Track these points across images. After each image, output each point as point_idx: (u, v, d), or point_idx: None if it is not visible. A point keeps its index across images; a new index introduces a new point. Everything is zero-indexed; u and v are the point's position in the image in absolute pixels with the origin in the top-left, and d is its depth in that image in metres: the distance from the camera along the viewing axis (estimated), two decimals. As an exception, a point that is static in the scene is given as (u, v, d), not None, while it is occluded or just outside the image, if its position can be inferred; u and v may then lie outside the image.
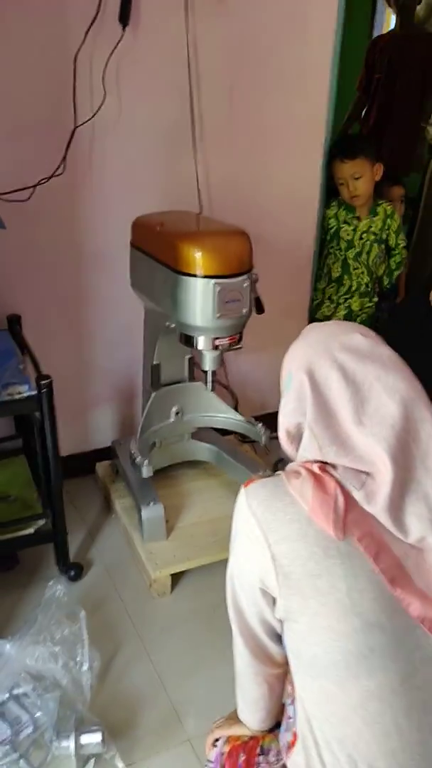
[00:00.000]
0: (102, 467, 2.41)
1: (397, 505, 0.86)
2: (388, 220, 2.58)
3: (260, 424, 2.20)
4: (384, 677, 0.86)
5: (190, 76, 2.06)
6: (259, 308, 1.94)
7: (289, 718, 1.05)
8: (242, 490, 0.95)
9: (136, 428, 2.15)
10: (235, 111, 2.21)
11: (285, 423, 0.97)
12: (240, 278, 1.75)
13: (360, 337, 0.94)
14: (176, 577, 1.98)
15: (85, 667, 1.52)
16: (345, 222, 2.55)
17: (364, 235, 2.56)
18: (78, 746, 1.39)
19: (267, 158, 2.33)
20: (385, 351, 0.94)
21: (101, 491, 2.38)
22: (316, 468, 0.90)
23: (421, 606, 0.85)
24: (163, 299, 1.86)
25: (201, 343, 1.84)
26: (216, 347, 1.85)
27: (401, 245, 2.64)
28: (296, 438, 0.96)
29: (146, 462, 1.99)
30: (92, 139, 2.03)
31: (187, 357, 2.18)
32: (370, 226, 2.56)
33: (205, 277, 1.72)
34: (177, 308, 1.78)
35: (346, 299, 2.64)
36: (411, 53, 3.41)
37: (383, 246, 2.62)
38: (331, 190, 2.55)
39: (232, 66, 2.14)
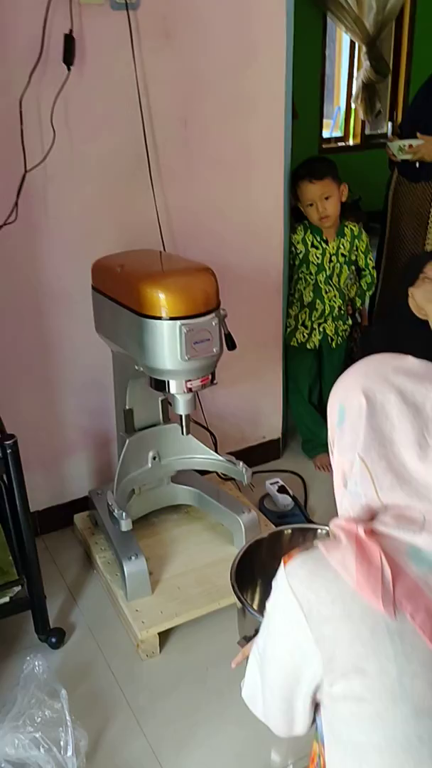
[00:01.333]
0: (80, 519, 2.30)
1: None
2: (356, 241, 2.53)
3: (241, 463, 2.11)
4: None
5: (141, 111, 2.00)
6: (231, 344, 1.86)
7: None
8: (282, 570, 0.86)
9: (113, 475, 2.06)
10: (191, 144, 2.15)
11: (341, 462, 0.89)
12: (207, 317, 1.68)
13: (413, 359, 0.90)
14: (165, 635, 1.87)
15: (70, 751, 1.40)
16: (313, 246, 2.50)
17: (333, 257, 2.51)
18: None
19: (228, 188, 2.27)
20: None
21: (81, 544, 2.27)
22: (361, 531, 0.82)
23: None
24: (130, 343, 1.78)
25: (172, 386, 1.76)
26: (189, 390, 1.77)
27: (371, 265, 2.59)
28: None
29: (124, 515, 1.89)
30: (45, 183, 1.95)
31: (161, 399, 2.10)
32: (339, 248, 2.51)
33: (171, 319, 1.64)
34: (144, 352, 1.70)
35: (320, 324, 2.58)
36: None
37: (353, 267, 2.57)
38: (294, 215, 2.50)
39: (184, 99, 2.09)
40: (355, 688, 0.78)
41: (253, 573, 1.76)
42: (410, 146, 2.67)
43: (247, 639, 1.54)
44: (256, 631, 1.43)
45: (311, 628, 0.80)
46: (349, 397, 0.88)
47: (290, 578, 0.84)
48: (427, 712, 0.76)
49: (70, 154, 1.96)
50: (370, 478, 0.83)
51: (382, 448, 0.83)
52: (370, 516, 0.86)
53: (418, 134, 2.66)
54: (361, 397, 0.86)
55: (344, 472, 0.88)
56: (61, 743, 1.41)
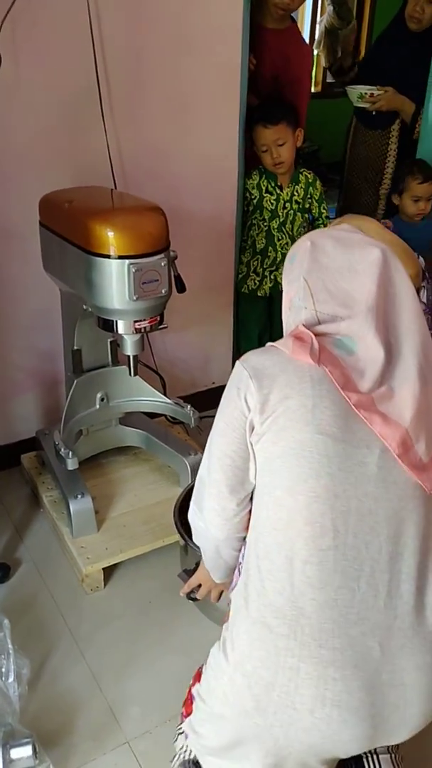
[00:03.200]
0: (27, 459, 2.30)
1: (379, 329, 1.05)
2: (311, 189, 2.53)
3: (189, 406, 2.14)
4: (329, 481, 1.00)
5: (93, 40, 1.93)
6: (180, 287, 1.86)
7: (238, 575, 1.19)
8: (237, 362, 1.09)
9: (61, 416, 2.06)
10: (145, 76, 2.09)
11: (289, 291, 1.14)
12: (156, 257, 1.67)
13: (345, 225, 1.19)
14: (109, 571, 1.91)
15: (11, 677, 1.44)
16: (267, 191, 2.48)
17: (287, 204, 2.50)
18: (7, 762, 1.32)
19: (182, 127, 2.23)
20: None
21: (28, 484, 2.28)
22: (300, 327, 1.05)
23: (383, 423, 1.01)
24: (77, 282, 1.75)
25: (120, 327, 1.75)
26: (137, 330, 1.76)
27: (324, 214, 2.59)
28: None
29: (71, 454, 1.90)
30: (-10, 111, 1.88)
31: (110, 340, 2.09)
32: (293, 195, 2.50)
33: (119, 257, 1.63)
34: (92, 291, 1.69)
35: (271, 271, 2.59)
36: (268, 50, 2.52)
37: (307, 215, 2.57)
38: (249, 160, 2.47)
39: (138, 28, 2.02)
40: (279, 420, 1.02)
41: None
42: (371, 95, 2.65)
43: (188, 572, 1.60)
44: (197, 565, 1.47)
45: (254, 382, 1.05)
46: (299, 246, 1.14)
47: (242, 361, 1.09)
48: (329, 435, 1.00)
49: (16, 80, 1.89)
50: (310, 293, 1.08)
51: (320, 273, 1.09)
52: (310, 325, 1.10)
53: (378, 87, 2.64)
54: (308, 242, 1.13)
55: (291, 298, 1.12)
56: (3, 670, 1.44)
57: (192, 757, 1.28)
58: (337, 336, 1.05)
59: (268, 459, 1.05)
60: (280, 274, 2.58)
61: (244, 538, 1.15)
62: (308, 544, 1.00)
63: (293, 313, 1.12)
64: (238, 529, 1.15)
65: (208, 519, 1.17)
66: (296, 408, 1.01)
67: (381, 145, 2.77)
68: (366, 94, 2.64)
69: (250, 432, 1.07)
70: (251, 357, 1.09)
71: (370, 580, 1.01)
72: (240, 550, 1.19)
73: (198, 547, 1.52)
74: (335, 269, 1.08)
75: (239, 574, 1.16)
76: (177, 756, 1.31)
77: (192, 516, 1.24)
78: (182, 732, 1.29)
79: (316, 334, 1.05)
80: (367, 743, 1.03)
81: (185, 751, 1.30)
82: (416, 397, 1.02)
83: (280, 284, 2.57)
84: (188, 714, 1.23)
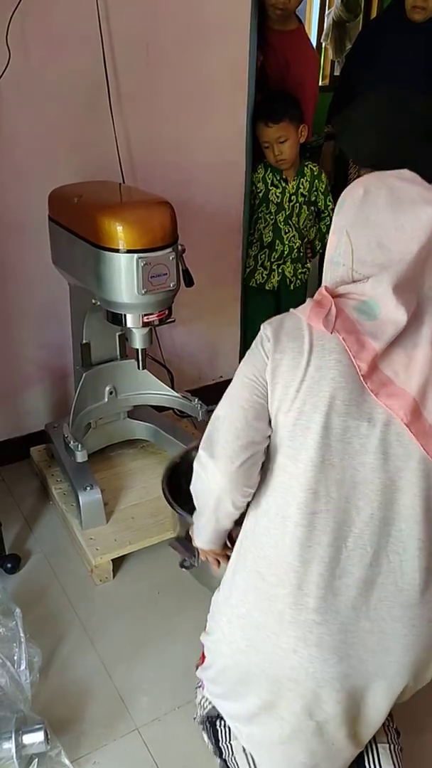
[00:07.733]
0: (37, 452, 2.32)
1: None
2: (316, 181, 2.53)
3: (196, 399, 2.15)
4: (327, 451, 1.06)
5: (101, 33, 1.94)
6: (189, 281, 1.88)
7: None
8: (264, 323, 1.14)
9: (70, 410, 2.08)
10: (153, 70, 2.10)
11: (332, 240, 1.12)
12: (165, 251, 1.68)
13: (408, 171, 1.12)
14: (118, 562, 1.93)
15: (23, 665, 1.46)
16: (273, 185, 2.49)
17: (293, 197, 2.50)
18: (20, 747, 1.35)
19: (190, 121, 2.23)
20: (428, 183, 1.11)
21: (37, 477, 2.30)
22: (323, 289, 1.09)
23: (389, 396, 1.04)
24: (86, 276, 1.77)
25: (129, 320, 1.77)
26: (145, 324, 1.78)
27: (330, 207, 2.59)
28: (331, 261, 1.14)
29: (80, 446, 1.92)
30: (0, 106, 1.89)
31: (118, 334, 2.10)
32: (299, 188, 2.50)
33: (128, 251, 1.64)
34: (101, 285, 1.70)
35: (279, 265, 2.59)
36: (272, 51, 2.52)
37: (313, 208, 2.57)
38: (255, 153, 2.47)
39: (146, 21, 2.03)
40: (290, 392, 1.08)
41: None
42: None
43: (179, 541, 1.64)
44: (187, 533, 1.47)
45: (274, 348, 1.10)
46: (351, 190, 1.12)
47: (265, 324, 1.14)
48: (332, 408, 1.05)
49: (27, 76, 1.90)
50: (351, 250, 1.08)
51: (365, 229, 1.07)
52: (342, 284, 1.11)
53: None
54: (360, 190, 1.09)
55: (332, 250, 1.12)
56: (15, 658, 1.47)
57: (207, 712, 1.36)
58: (362, 298, 1.06)
59: (277, 426, 1.11)
60: (288, 267, 2.60)
61: (245, 504, 1.20)
62: (301, 509, 1.08)
63: (332, 267, 1.12)
64: (244, 480, 1.15)
65: (217, 465, 1.15)
66: (302, 378, 1.06)
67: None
68: None
69: (263, 395, 1.12)
70: (273, 322, 1.13)
71: (358, 540, 1.08)
72: (240, 509, 1.20)
73: (187, 514, 1.54)
74: (381, 226, 1.06)
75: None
76: (197, 713, 1.41)
77: (197, 464, 1.21)
78: (199, 685, 1.37)
79: (341, 295, 1.07)
80: (347, 683, 1.10)
81: (202, 707, 1.38)
82: (427, 363, 1.05)
83: (288, 277, 2.61)
84: (201, 664, 1.33)
